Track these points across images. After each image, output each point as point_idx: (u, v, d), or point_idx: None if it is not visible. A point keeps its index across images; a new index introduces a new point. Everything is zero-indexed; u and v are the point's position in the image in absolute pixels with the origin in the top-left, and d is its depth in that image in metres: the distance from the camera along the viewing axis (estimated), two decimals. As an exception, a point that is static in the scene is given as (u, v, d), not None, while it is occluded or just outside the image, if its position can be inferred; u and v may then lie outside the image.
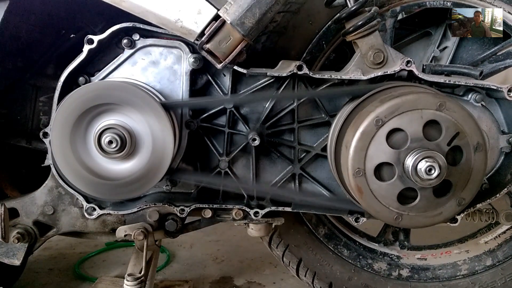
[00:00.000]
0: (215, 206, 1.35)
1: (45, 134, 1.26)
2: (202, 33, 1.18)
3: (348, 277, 1.60)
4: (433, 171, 1.06)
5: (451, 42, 1.48)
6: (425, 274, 1.62)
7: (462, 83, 1.28)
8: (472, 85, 1.29)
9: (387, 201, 1.13)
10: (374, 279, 1.61)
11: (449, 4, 1.41)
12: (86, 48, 1.24)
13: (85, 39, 1.24)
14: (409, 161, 1.08)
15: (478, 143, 1.11)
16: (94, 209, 1.33)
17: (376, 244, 1.64)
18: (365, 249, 1.63)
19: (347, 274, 1.60)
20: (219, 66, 1.19)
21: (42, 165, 1.55)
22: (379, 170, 1.12)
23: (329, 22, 1.39)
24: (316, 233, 1.58)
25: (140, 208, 1.33)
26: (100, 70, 1.29)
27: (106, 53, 1.30)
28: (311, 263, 1.59)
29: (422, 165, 1.06)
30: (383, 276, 1.62)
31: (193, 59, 1.28)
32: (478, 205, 1.32)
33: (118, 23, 1.24)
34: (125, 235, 1.33)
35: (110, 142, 1.16)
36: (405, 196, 1.13)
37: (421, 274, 1.62)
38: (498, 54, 1.47)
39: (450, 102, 1.09)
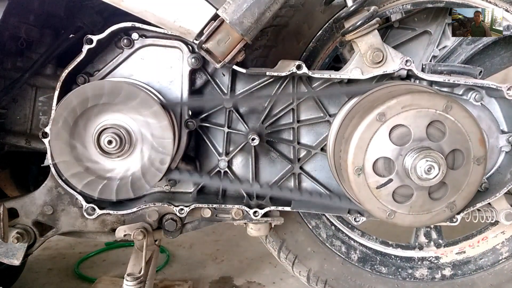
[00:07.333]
0: (214, 205, 1.35)
1: (45, 134, 1.26)
2: (201, 33, 1.18)
3: None
4: (432, 171, 1.06)
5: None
6: (467, 267, 1.57)
7: (462, 82, 1.28)
8: (471, 84, 1.30)
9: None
10: (419, 287, 1.57)
11: (409, 6, 1.41)
12: (85, 48, 1.24)
13: (84, 39, 1.24)
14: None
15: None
16: (94, 209, 1.33)
17: (412, 251, 1.60)
18: (402, 260, 1.59)
19: None
20: (218, 65, 1.19)
21: (42, 165, 1.56)
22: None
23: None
24: (349, 261, 1.55)
25: (139, 208, 1.33)
26: (99, 70, 1.29)
27: (105, 52, 1.29)
28: None
29: (422, 164, 1.07)
30: (427, 281, 1.57)
31: (192, 59, 1.28)
32: (478, 205, 1.32)
33: (117, 23, 1.24)
34: (124, 235, 1.33)
35: (110, 141, 1.17)
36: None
37: (464, 269, 1.57)
38: None
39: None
